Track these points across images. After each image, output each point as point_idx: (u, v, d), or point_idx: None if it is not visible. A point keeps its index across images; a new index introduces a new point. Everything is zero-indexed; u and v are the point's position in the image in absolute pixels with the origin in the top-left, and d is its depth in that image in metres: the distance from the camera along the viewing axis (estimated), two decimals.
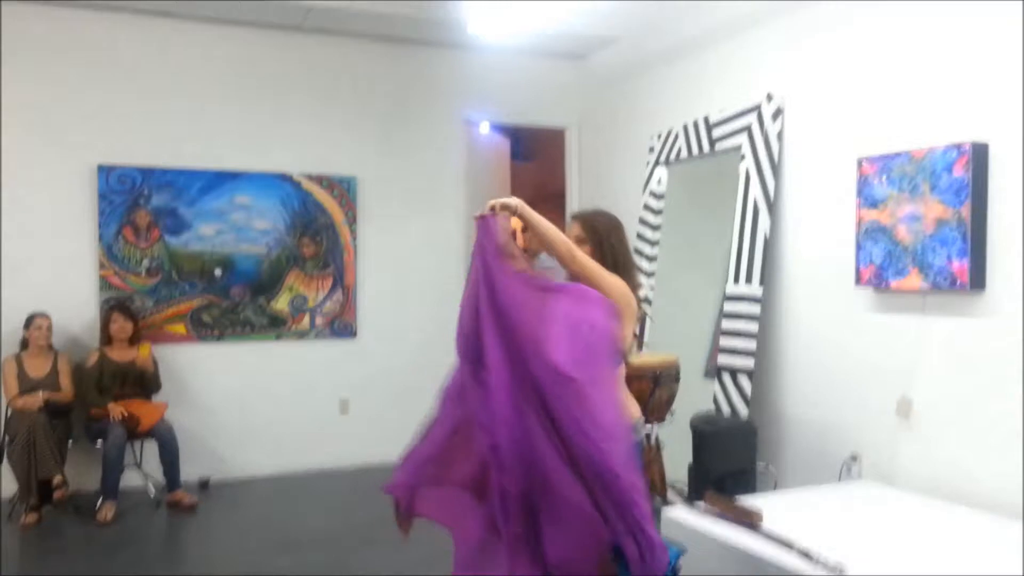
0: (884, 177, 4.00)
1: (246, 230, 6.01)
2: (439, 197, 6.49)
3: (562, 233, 2.56)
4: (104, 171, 5.62)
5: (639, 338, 2.85)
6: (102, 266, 5.63)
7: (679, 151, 5.55)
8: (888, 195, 3.98)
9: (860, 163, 4.11)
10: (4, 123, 5.35)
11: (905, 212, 3.89)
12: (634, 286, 2.67)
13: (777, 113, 4.76)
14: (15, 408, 4.99)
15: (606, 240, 2.67)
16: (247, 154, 5.97)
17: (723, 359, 4.75)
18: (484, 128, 7.07)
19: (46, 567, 4.31)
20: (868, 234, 4.08)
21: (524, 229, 2.54)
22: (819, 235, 4.47)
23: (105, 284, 5.63)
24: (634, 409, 2.68)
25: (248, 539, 4.66)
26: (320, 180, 6.17)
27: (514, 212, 2.48)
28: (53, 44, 5.48)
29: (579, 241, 2.65)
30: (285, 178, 6.08)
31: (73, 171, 5.56)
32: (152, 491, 5.29)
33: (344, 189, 6.23)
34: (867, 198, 4.08)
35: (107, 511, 4.89)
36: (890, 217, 3.97)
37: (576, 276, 2.54)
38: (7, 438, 4.93)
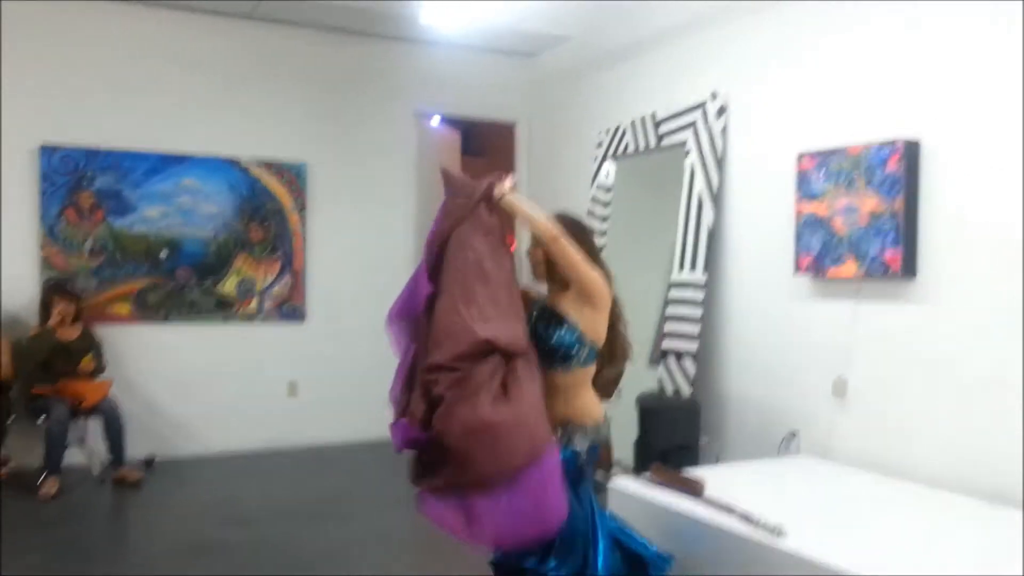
0: (822, 172, 4.22)
1: (193, 214, 5.97)
2: (389, 187, 6.54)
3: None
4: (47, 152, 5.53)
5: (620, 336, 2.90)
6: (43, 246, 5.53)
7: (627, 146, 5.72)
8: (826, 189, 4.19)
9: (800, 158, 4.32)
10: None
11: (842, 204, 4.11)
12: (609, 281, 2.72)
13: (721, 110, 4.96)
14: None
15: (581, 236, 2.69)
16: (195, 138, 5.95)
17: (668, 343, 4.92)
18: (435, 121, 7.15)
19: None
20: (806, 225, 4.28)
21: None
22: (760, 226, 4.67)
23: (47, 264, 5.53)
24: (596, 411, 2.72)
25: (195, 514, 4.64)
26: (269, 166, 6.17)
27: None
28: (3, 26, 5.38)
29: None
30: (233, 163, 6.06)
31: (15, 151, 5.47)
32: (97, 468, 5.23)
33: (293, 175, 6.24)
34: (806, 191, 4.29)
35: (50, 486, 4.82)
36: (827, 209, 4.18)
37: (556, 259, 2.57)
38: None
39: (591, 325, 2.61)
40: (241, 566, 3.82)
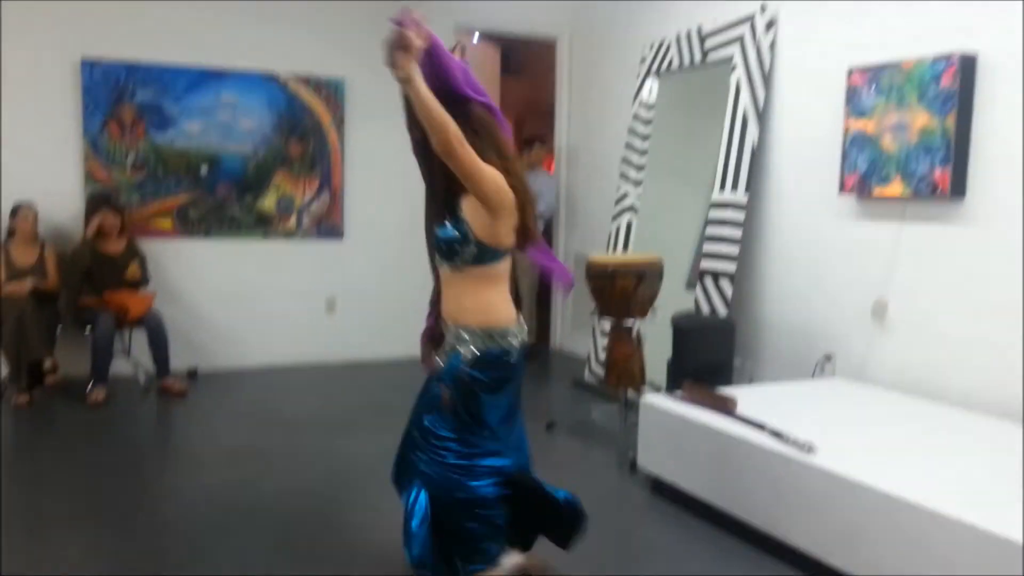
0: (873, 87, 4.06)
1: (232, 129, 5.97)
2: None
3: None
4: (88, 65, 5.54)
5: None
6: (87, 159, 5.59)
7: (671, 62, 5.56)
8: (875, 105, 4.04)
9: (850, 73, 4.16)
10: None
11: (891, 121, 3.96)
12: (515, 174, 2.40)
13: (770, 24, 4.77)
14: (3, 294, 5.00)
15: (483, 130, 2.39)
16: (234, 53, 5.90)
17: (706, 263, 4.85)
18: (475, 37, 7.00)
19: (39, 444, 4.41)
20: (854, 143, 4.15)
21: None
22: (805, 145, 4.53)
23: (90, 178, 5.60)
24: (508, 313, 2.46)
25: (236, 422, 4.78)
26: (307, 81, 6.12)
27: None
28: None
29: None
30: (271, 78, 6.02)
31: (57, 65, 5.48)
32: (142, 378, 5.39)
33: (332, 91, 6.19)
34: (855, 107, 4.14)
35: (98, 394, 4.99)
36: (876, 126, 4.03)
37: (449, 158, 2.22)
38: None
39: (484, 225, 2.34)
40: (280, 470, 3.94)
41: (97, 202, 5.38)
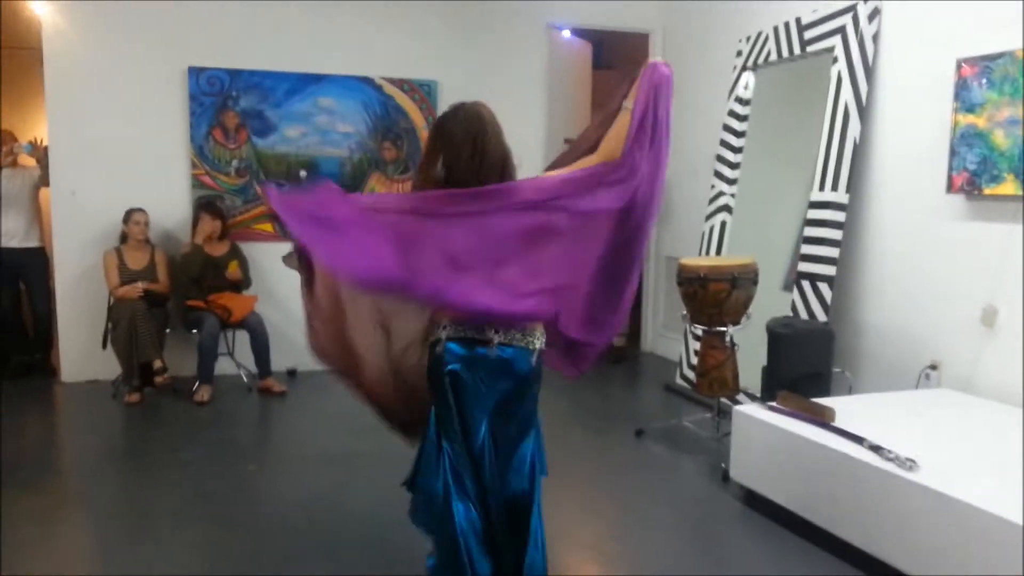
0: (984, 79, 3.84)
1: (330, 133, 6.12)
2: (519, 102, 6.44)
3: None
4: (194, 72, 5.76)
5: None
6: (194, 166, 5.83)
7: (768, 54, 5.39)
8: (987, 98, 3.82)
9: (959, 65, 3.94)
10: (104, 27, 5.54)
11: (1004, 116, 3.74)
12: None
13: (873, 13, 4.56)
14: (117, 297, 5.28)
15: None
16: (330, 57, 6.04)
17: (804, 267, 4.69)
18: (566, 33, 6.96)
19: (149, 439, 4.65)
20: (963, 139, 3.93)
21: None
22: (911, 141, 4.32)
23: (197, 183, 5.84)
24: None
25: (333, 423, 4.90)
26: (401, 84, 6.21)
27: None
28: None
29: None
30: (367, 81, 6.14)
31: (165, 73, 5.72)
32: (245, 378, 5.61)
33: (424, 94, 6.26)
34: (964, 101, 3.93)
35: (203, 393, 5.21)
36: (988, 121, 3.82)
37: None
38: (110, 325, 5.25)
39: None
40: (373, 471, 4.01)
41: (203, 207, 5.60)
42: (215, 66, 5.80)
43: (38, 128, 7.90)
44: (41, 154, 5.56)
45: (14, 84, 8.62)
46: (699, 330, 4.37)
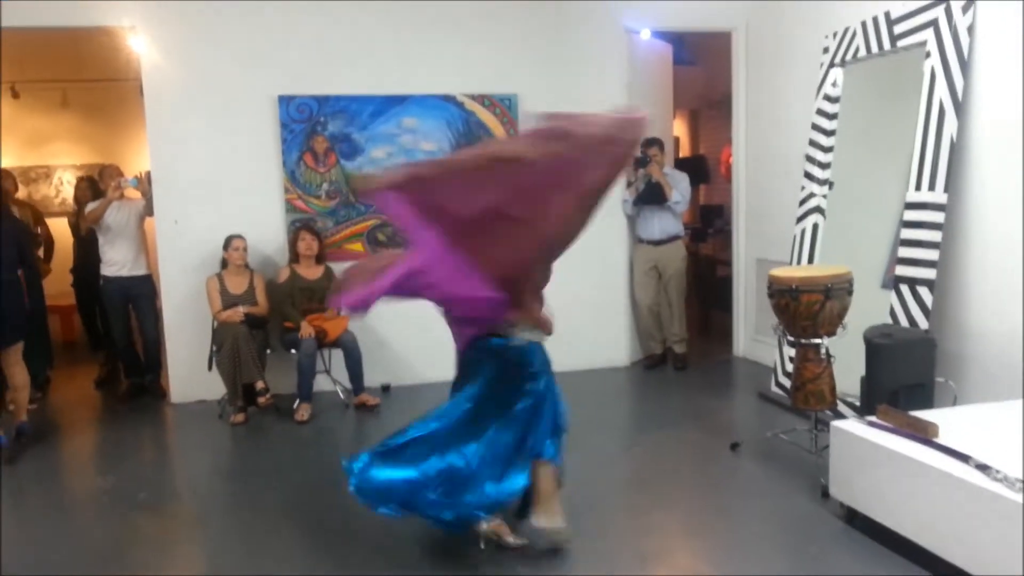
0: None
1: (414, 151, 6.23)
2: (600, 108, 6.41)
3: None
4: (284, 101, 5.96)
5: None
6: (287, 191, 6.03)
7: (856, 50, 5.22)
8: None
9: None
10: (198, 59, 5.80)
11: None
12: None
13: (968, 4, 4.38)
14: (220, 321, 5.51)
15: None
16: (412, 78, 6.14)
17: (902, 270, 4.53)
18: (645, 35, 6.89)
19: (256, 457, 4.85)
20: None
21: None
22: (1013, 138, 4.12)
23: (290, 207, 6.04)
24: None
25: None
26: (482, 99, 6.27)
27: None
28: None
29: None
30: (449, 99, 6.23)
31: (257, 102, 5.93)
32: (341, 394, 5.78)
33: (505, 107, 6.31)
34: None
35: (303, 411, 5.40)
36: None
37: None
38: (215, 348, 5.49)
39: None
40: None
41: (298, 230, 5.79)
42: (303, 93, 5.98)
43: (138, 157, 8.34)
44: (146, 186, 5.84)
45: (115, 115, 9.12)
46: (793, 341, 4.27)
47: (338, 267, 5.93)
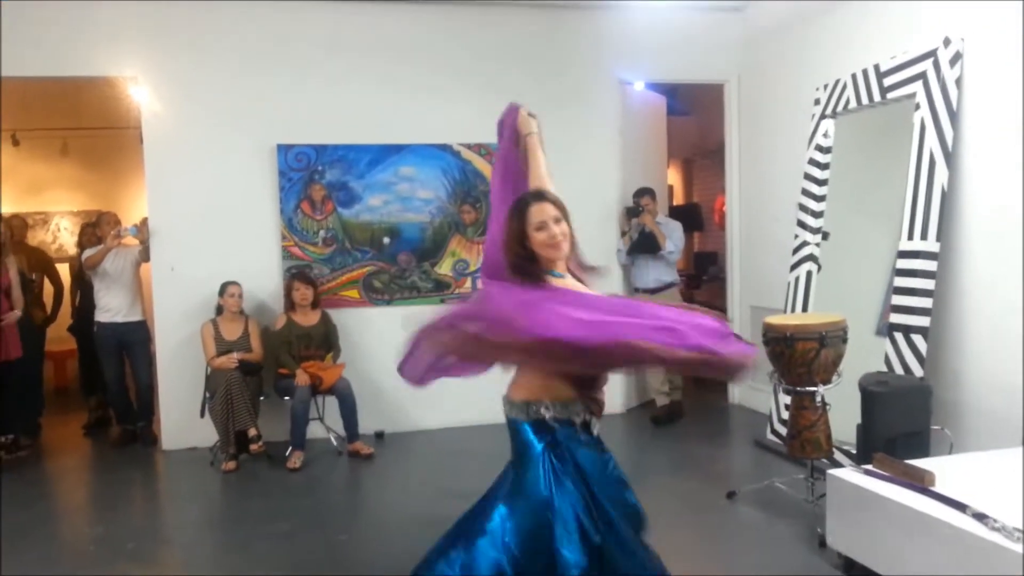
0: None
1: (411, 199, 6.28)
2: (594, 158, 6.51)
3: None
4: (283, 149, 6.02)
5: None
6: (284, 238, 6.06)
7: (847, 102, 5.31)
8: None
9: None
10: (198, 108, 5.87)
11: None
12: None
13: (956, 58, 4.46)
14: (214, 367, 5.49)
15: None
16: (409, 127, 6.21)
17: (896, 317, 4.55)
18: (639, 86, 7.00)
19: (247, 505, 4.79)
20: None
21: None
22: (1003, 188, 4.18)
23: (287, 254, 6.06)
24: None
25: (419, 486, 4.97)
26: (478, 148, 6.34)
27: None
28: (238, 37, 5.94)
29: (556, 220, 2.50)
30: (445, 148, 6.30)
31: (255, 151, 5.99)
32: (334, 442, 5.74)
33: None
34: None
35: (296, 459, 5.35)
36: None
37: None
38: (207, 394, 5.47)
39: None
40: None
41: (294, 277, 5.80)
42: (302, 142, 6.05)
43: (135, 204, 8.37)
44: (145, 233, 5.86)
45: (114, 162, 9.18)
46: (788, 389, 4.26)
47: (335, 312, 5.95)
